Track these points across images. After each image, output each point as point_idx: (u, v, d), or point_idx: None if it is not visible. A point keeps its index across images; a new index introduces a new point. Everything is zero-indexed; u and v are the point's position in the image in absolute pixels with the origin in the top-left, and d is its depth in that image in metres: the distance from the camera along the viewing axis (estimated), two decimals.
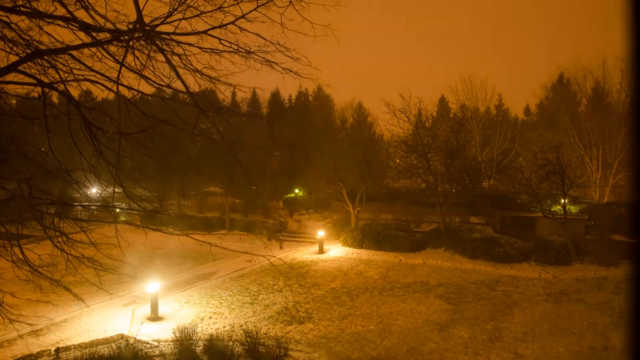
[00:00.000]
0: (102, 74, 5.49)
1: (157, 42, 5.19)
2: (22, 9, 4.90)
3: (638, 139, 1.39)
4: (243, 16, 5.29)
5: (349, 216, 29.22)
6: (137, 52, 5.35)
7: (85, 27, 4.89)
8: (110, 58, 5.34)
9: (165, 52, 5.24)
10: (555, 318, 13.44)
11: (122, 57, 5.21)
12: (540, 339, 11.80)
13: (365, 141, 34.19)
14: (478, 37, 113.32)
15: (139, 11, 4.63)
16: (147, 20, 5.08)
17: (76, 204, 7.39)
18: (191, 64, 5.54)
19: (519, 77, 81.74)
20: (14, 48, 5.36)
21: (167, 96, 6.05)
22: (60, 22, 4.95)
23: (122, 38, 4.98)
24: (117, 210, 7.64)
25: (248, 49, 5.44)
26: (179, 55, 5.49)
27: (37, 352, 10.93)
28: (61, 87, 5.61)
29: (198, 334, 10.88)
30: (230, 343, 10.43)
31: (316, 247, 25.77)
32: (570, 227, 21.09)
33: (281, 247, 25.13)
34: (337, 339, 12.29)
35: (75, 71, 5.68)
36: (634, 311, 1.42)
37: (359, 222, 28.38)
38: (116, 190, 6.32)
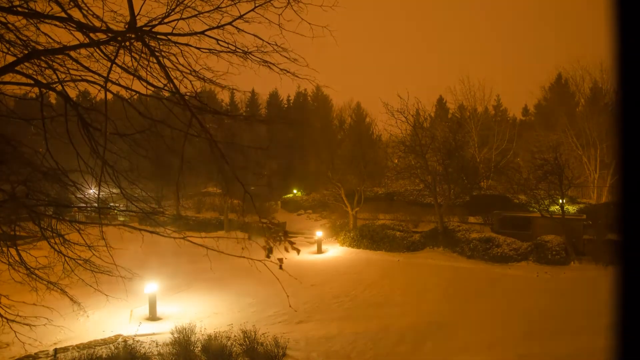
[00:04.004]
0: (99, 75, 5.48)
1: (152, 44, 5.18)
2: (19, 9, 4.89)
3: (621, 139, 1.40)
4: (240, 17, 5.29)
5: (347, 216, 29.23)
6: (133, 54, 5.34)
7: (81, 28, 4.88)
8: (107, 59, 5.33)
9: (159, 53, 5.22)
10: (555, 318, 13.45)
11: (119, 59, 5.19)
12: (540, 338, 11.81)
13: (363, 141, 34.22)
14: (476, 38, 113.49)
15: (132, 12, 4.62)
16: (144, 20, 5.08)
17: (73, 205, 7.37)
18: (189, 65, 5.54)
19: (517, 78, 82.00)
20: (11, 48, 5.34)
21: (165, 97, 6.04)
22: (57, 23, 4.94)
23: (118, 39, 4.97)
24: (115, 211, 7.63)
25: (246, 50, 5.44)
26: (175, 56, 5.48)
27: (35, 354, 10.89)
28: (58, 87, 5.59)
29: (196, 334, 10.85)
30: (229, 343, 10.41)
31: (315, 248, 25.78)
32: (569, 227, 21.14)
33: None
34: (336, 338, 12.28)
35: (72, 72, 5.67)
36: (617, 312, 1.44)
37: (358, 222, 28.40)
38: (113, 191, 6.30)
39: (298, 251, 4.84)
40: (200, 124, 5.00)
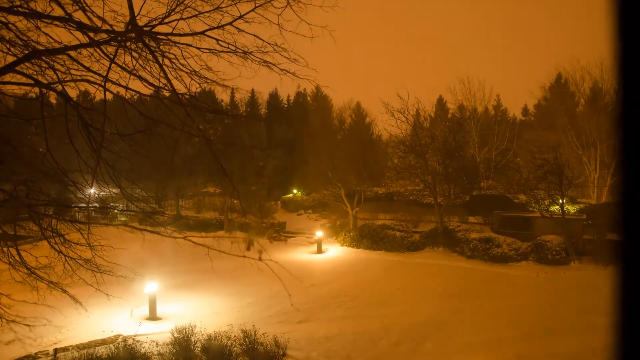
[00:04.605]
0: (99, 75, 5.48)
1: (152, 44, 5.18)
2: (20, 9, 4.89)
3: (621, 139, 1.40)
4: (241, 17, 5.29)
5: (347, 216, 29.22)
6: (134, 53, 5.34)
7: (82, 28, 4.89)
8: (108, 59, 5.33)
9: (158, 52, 5.22)
10: (555, 318, 13.46)
11: (120, 59, 5.20)
12: (540, 339, 11.81)
13: (363, 141, 34.18)
14: (476, 38, 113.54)
15: (132, 12, 4.62)
16: (144, 20, 5.08)
17: (73, 205, 7.38)
18: (189, 65, 5.54)
19: (517, 78, 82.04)
20: (12, 48, 5.35)
21: (165, 97, 6.04)
22: (57, 23, 4.94)
23: (118, 38, 4.98)
24: (115, 211, 7.64)
25: (246, 50, 5.44)
26: (175, 56, 5.48)
27: (35, 353, 10.90)
28: (59, 87, 5.59)
29: (196, 334, 10.85)
30: (229, 343, 10.41)
31: (314, 247, 25.77)
32: (569, 227, 21.14)
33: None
34: (336, 338, 12.29)
35: (72, 72, 5.67)
36: (617, 312, 1.44)
37: (358, 222, 28.39)
38: (113, 191, 6.31)
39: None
40: (194, 122, 5.00)
